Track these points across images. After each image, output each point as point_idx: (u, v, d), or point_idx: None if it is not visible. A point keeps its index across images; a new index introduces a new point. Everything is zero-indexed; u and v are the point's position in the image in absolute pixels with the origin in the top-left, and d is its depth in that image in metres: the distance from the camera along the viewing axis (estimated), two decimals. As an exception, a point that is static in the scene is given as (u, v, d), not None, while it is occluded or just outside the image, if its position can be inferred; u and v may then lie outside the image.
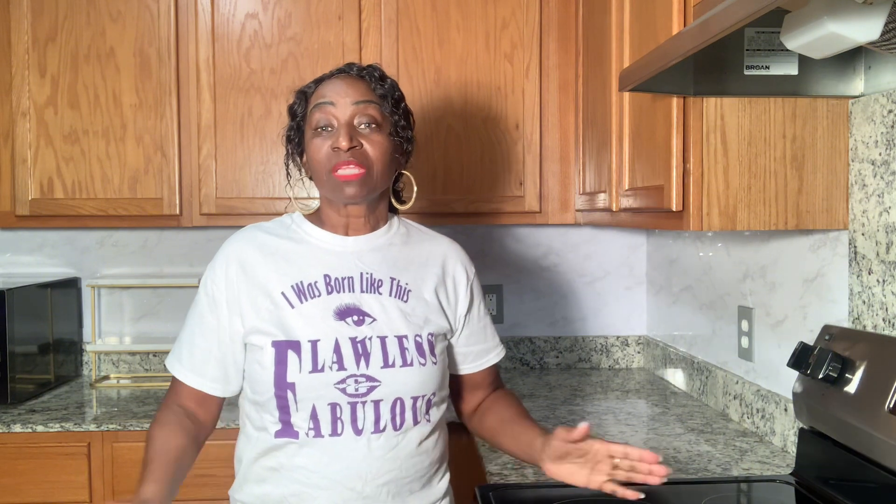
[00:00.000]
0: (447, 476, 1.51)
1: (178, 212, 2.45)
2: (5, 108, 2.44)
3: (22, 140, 2.42)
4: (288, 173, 1.50)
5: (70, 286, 2.73)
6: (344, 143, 1.36)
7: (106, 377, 2.70)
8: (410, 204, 1.53)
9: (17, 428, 2.13)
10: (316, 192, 1.48)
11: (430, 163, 2.46)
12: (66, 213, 2.44)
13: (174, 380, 1.45)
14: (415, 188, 1.53)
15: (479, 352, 1.55)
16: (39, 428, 2.14)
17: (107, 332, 2.79)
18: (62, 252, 2.79)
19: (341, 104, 1.39)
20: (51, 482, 2.15)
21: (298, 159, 1.49)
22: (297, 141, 1.48)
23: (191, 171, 2.45)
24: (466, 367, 1.55)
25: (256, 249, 1.43)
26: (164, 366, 1.48)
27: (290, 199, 1.51)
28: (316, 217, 1.49)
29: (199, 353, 1.42)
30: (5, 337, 2.30)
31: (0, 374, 2.29)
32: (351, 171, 1.37)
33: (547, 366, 2.85)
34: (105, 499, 2.16)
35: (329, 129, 1.40)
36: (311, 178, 1.48)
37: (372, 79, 1.44)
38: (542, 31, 2.48)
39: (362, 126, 1.40)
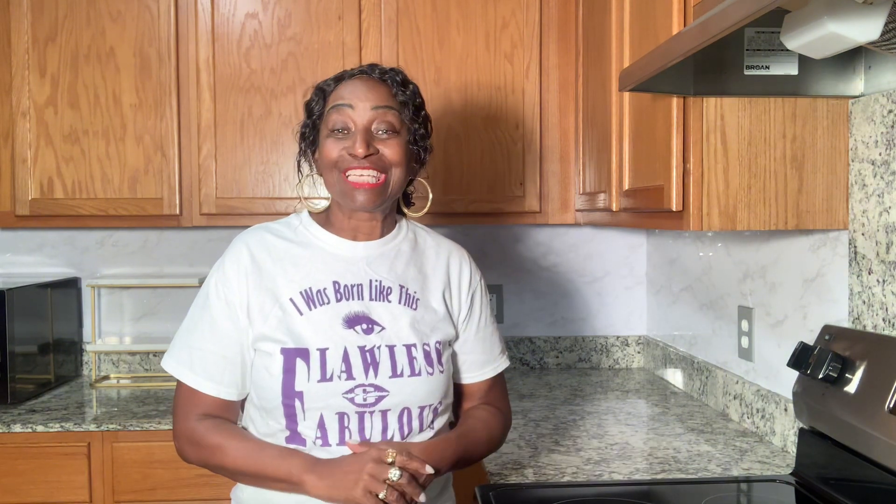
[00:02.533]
0: (450, 478, 1.50)
1: (178, 212, 2.45)
2: (5, 108, 2.44)
3: (22, 140, 2.42)
4: (299, 170, 1.47)
5: (70, 286, 2.73)
6: (360, 151, 1.33)
7: (106, 377, 2.70)
8: (424, 211, 1.50)
9: (17, 428, 2.13)
10: (324, 191, 1.45)
11: (431, 163, 2.40)
12: (66, 213, 2.44)
13: (188, 389, 1.38)
14: (430, 195, 1.51)
15: (482, 362, 1.52)
16: (39, 428, 2.14)
17: (107, 332, 2.79)
18: (62, 252, 2.79)
19: (360, 108, 1.36)
20: (51, 482, 2.15)
21: (311, 156, 1.46)
22: (311, 139, 1.44)
23: (191, 171, 2.45)
24: (467, 377, 1.52)
25: (265, 252, 1.40)
26: (167, 371, 1.40)
27: (298, 199, 1.47)
28: (324, 218, 1.45)
29: (213, 360, 1.37)
30: (5, 337, 2.30)
31: (0, 374, 2.29)
32: (365, 177, 1.35)
33: (547, 366, 2.85)
34: (105, 499, 2.16)
35: (345, 131, 1.37)
36: (321, 175, 1.44)
37: (394, 83, 1.40)
38: (542, 31, 2.48)
39: (380, 132, 1.37)
